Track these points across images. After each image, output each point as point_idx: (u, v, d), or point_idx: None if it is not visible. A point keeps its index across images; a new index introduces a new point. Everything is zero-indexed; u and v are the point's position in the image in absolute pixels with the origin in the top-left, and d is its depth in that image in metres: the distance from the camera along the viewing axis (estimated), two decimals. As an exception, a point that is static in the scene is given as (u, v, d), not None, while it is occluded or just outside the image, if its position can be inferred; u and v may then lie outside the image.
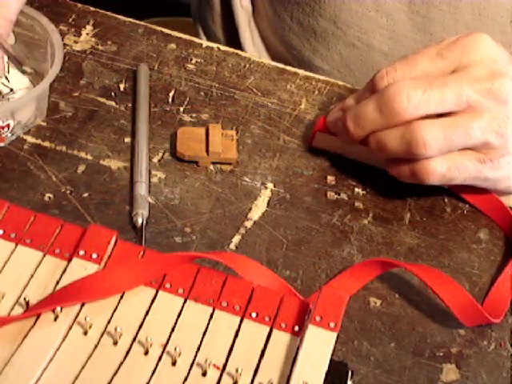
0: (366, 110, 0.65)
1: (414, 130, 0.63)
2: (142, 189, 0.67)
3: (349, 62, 0.88)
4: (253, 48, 0.96)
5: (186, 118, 0.74)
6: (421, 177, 0.65)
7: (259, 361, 0.56)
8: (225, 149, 0.71)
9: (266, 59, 0.81)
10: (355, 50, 0.87)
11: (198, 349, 0.56)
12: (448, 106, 0.63)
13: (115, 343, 0.56)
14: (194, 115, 0.75)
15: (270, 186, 0.71)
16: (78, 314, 0.57)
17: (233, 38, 0.97)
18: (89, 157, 0.70)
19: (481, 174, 0.66)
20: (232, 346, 0.57)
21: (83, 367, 0.55)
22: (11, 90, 0.72)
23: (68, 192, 0.68)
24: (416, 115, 0.63)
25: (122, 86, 0.76)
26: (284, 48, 0.93)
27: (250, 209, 0.69)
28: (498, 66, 0.64)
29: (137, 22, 0.81)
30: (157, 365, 0.56)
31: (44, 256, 0.60)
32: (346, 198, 0.71)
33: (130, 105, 0.74)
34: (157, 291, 0.59)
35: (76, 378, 0.54)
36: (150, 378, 0.55)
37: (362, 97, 0.67)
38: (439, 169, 0.64)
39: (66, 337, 0.56)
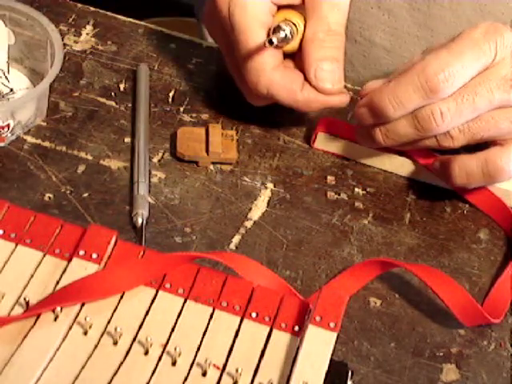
0: (398, 123, 0.66)
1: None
2: (142, 189, 0.67)
3: (351, 57, 0.88)
4: None
5: (186, 117, 0.74)
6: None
7: (259, 361, 0.56)
8: (225, 149, 0.71)
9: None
10: (357, 46, 0.87)
11: (198, 349, 0.57)
12: (479, 112, 0.65)
13: (115, 343, 0.56)
14: (193, 115, 0.75)
15: (270, 186, 0.71)
16: (78, 314, 0.57)
17: None
18: (89, 157, 0.70)
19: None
20: (232, 346, 0.57)
21: (83, 367, 0.55)
22: (11, 90, 0.72)
23: (68, 192, 0.68)
24: (449, 128, 0.65)
25: (122, 86, 0.76)
26: None
27: (250, 209, 0.69)
28: None
29: (137, 21, 0.81)
30: (157, 365, 0.56)
31: (44, 256, 0.60)
32: (346, 198, 0.71)
33: (129, 105, 0.74)
34: (157, 291, 0.59)
35: (76, 378, 0.54)
36: (150, 378, 0.55)
37: (405, 93, 0.65)
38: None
39: (66, 337, 0.56)
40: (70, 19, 0.80)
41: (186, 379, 0.55)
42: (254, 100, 0.71)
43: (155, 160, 0.71)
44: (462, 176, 0.67)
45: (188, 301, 0.59)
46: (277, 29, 0.65)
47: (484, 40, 0.64)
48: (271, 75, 0.67)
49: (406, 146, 0.68)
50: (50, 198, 0.67)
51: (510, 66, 0.64)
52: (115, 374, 0.55)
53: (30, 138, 0.71)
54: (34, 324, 0.56)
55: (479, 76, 0.65)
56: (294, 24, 0.68)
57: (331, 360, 0.56)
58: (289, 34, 0.66)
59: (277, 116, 0.75)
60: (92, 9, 0.81)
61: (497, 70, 0.65)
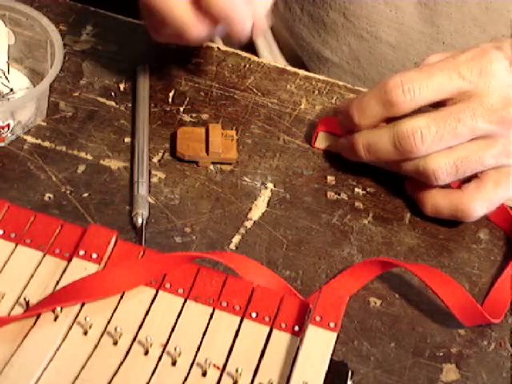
0: (379, 140, 0.66)
1: (426, 164, 0.65)
2: (142, 189, 0.67)
3: (357, 53, 0.89)
4: (262, 39, 0.96)
5: (186, 117, 0.74)
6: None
7: (259, 361, 0.56)
8: (225, 149, 0.71)
9: (265, 59, 0.81)
10: (364, 42, 0.88)
11: (198, 349, 0.57)
12: (461, 139, 0.65)
13: (115, 343, 0.56)
14: (193, 115, 0.75)
15: (270, 186, 0.71)
16: (78, 314, 0.57)
17: None
18: (89, 157, 0.70)
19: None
20: (232, 346, 0.57)
21: (83, 367, 0.55)
22: (11, 90, 0.72)
23: (68, 192, 0.68)
24: (429, 152, 0.64)
25: (122, 86, 0.76)
26: (293, 39, 0.93)
27: (250, 209, 0.69)
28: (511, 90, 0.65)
29: (137, 21, 0.81)
30: (157, 365, 0.56)
31: (44, 256, 0.60)
32: (346, 198, 0.71)
33: (129, 105, 0.74)
34: (157, 291, 0.59)
35: (76, 378, 0.54)
36: (150, 378, 0.55)
37: (368, 103, 0.66)
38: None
39: (66, 337, 0.56)
40: (70, 19, 0.80)
41: (186, 379, 0.55)
42: (158, 36, 0.69)
43: (155, 160, 0.71)
44: (432, 209, 0.68)
45: (188, 301, 0.59)
46: None
47: (466, 64, 0.64)
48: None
49: (391, 166, 0.68)
50: (49, 197, 0.67)
51: (498, 96, 0.64)
52: (115, 374, 0.55)
53: (30, 138, 0.71)
54: (34, 324, 0.56)
55: (463, 102, 0.64)
56: None
57: (331, 360, 0.56)
58: None
59: (277, 116, 0.75)
60: (92, 9, 0.81)
61: (481, 98, 0.64)
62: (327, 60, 0.91)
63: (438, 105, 0.66)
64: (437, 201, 0.68)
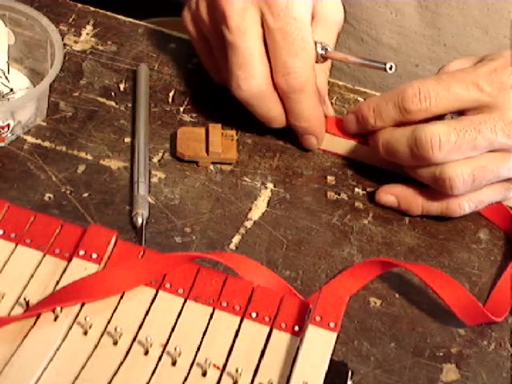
0: (397, 141, 0.66)
1: (443, 171, 0.64)
2: (142, 189, 0.67)
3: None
4: None
5: (186, 117, 0.74)
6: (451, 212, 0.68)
7: (259, 361, 0.56)
8: (225, 149, 0.71)
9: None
10: (364, 45, 0.88)
11: (198, 349, 0.57)
12: (479, 151, 0.64)
13: (115, 343, 0.56)
14: (193, 115, 0.75)
15: (270, 186, 0.71)
16: (78, 314, 0.57)
17: None
18: (89, 157, 0.70)
19: (507, 197, 0.68)
20: (232, 346, 0.57)
21: (83, 367, 0.55)
22: (11, 90, 0.72)
23: (68, 192, 0.68)
24: (445, 160, 0.64)
25: (122, 86, 0.76)
26: None
27: (250, 209, 0.69)
28: None
29: (137, 21, 0.81)
30: (157, 365, 0.56)
31: (44, 256, 0.60)
32: (346, 198, 0.71)
33: (130, 105, 0.74)
34: (157, 291, 0.59)
35: (76, 378, 0.54)
36: (150, 378, 0.55)
37: (385, 107, 0.66)
38: (466, 206, 0.67)
39: (66, 337, 0.56)
40: (70, 19, 0.80)
41: (186, 379, 0.55)
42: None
43: (155, 160, 0.71)
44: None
45: (188, 301, 0.59)
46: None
47: (486, 77, 0.64)
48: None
49: (408, 171, 0.68)
50: (49, 197, 0.67)
51: None
52: (115, 374, 0.55)
53: (30, 138, 0.71)
54: (34, 324, 0.56)
55: (483, 114, 0.64)
56: None
57: (331, 360, 0.56)
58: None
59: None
60: (92, 9, 0.81)
61: (502, 111, 0.63)
62: None
63: (458, 113, 0.66)
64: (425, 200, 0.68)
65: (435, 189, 0.66)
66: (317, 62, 0.68)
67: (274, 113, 0.69)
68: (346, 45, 0.88)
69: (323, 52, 0.68)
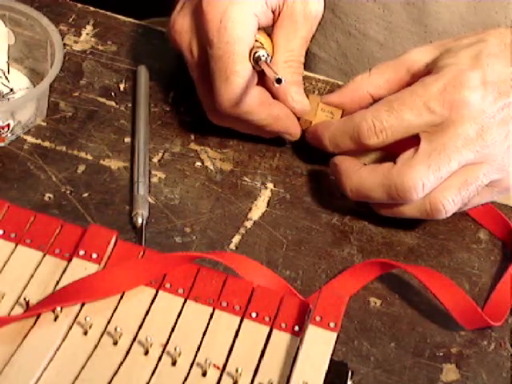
0: (370, 192, 0.65)
1: (433, 202, 0.64)
2: (141, 189, 0.67)
3: (345, 50, 0.89)
4: None
5: (186, 117, 0.74)
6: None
7: (259, 361, 0.56)
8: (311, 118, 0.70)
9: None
10: (352, 39, 0.88)
11: (198, 349, 0.57)
12: (454, 170, 0.64)
13: (115, 343, 0.56)
14: (194, 115, 0.74)
15: (270, 186, 0.71)
16: (78, 314, 0.57)
17: None
18: (89, 157, 0.70)
19: (492, 198, 0.68)
20: (232, 346, 0.57)
21: (83, 367, 0.55)
22: (11, 90, 0.72)
23: (68, 192, 0.68)
24: (427, 193, 0.64)
25: (121, 86, 0.76)
26: None
27: (250, 209, 0.69)
28: (487, 117, 0.63)
29: (137, 21, 0.81)
30: (157, 365, 0.56)
31: (44, 256, 0.60)
32: (346, 198, 0.71)
33: (130, 105, 0.74)
34: (157, 291, 0.59)
35: (76, 378, 0.54)
36: (150, 378, 0.55)
37: (342, 139, 0.67)
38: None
39: (66, 337, 0.56)
40: (70, 19, 0.80)
41: (185, 379, 0.55)
42: (214, 117, 0.71)
43: (155, 160, 0.71)
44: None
45: (188, 301, 0.59)
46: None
47: (437, 98, 0.63)
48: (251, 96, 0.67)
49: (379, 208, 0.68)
50: (49, 198, 0.67)
51: (473, 125, 0.63)
52: (115, 374, 0.55)
53: (30, 138, 0.71)
54: (34, 324, 0.56)
55: (443, 138, 0.63)
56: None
57: (331, 360, 0.56)
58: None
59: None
60: (92, 9, 0.81)
61: (456, 129, 0.63)
62: (315, 56, 0.91)
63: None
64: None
65: None
66: (257, 71, 0.67)
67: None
68: (334, 38, 0.89)
69: (257, 65, 0.66)
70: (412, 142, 0.65)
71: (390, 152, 0.67)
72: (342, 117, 0.70)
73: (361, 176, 0.66)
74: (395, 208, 0.66)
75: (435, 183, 0.63)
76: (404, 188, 0.63)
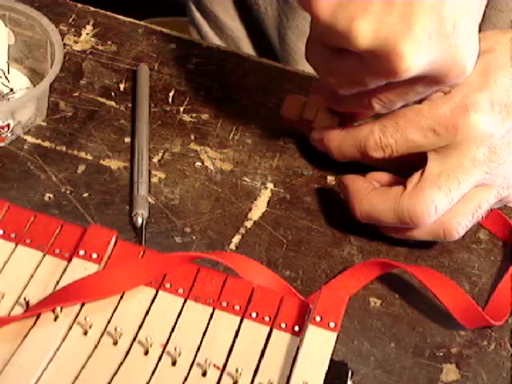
0: (382, 217, 0.65)
1: (447, 227, 0.64)
2: (142, 189, 0.67)
3: None
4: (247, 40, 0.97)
5: (186, 117, 0.74)
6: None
7: (259, 361, 0.56)
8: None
9: (265, 59, 0.80)
10: None
11: (198, 349, 0.57)
12: (466, 192, 0.64)
13: (115, 343, 0.56)
14: (194, 115, 0.75)
15: (270, 186, 0.71)
16: (78, 314, 0.57)
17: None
18: (89, 157, 0.70)
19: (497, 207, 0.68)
20: (232, 346, 0.57)
21: (83, 367, 0.55)
22: (11, 90, 0.72)
23: (68, 192, 0.68)
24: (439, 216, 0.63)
25: (121, 86, 0.76)
26: (279, 44, 0.94)
27: (250, 209, 0.69)
28: (495, 138, 0.63)
29: (137, 21, 0.81)
30: (157, 365, 0.56)
31: (44, 256, 0.60)
32: (346, 198, 0.71)
33: (130, 105, 0.74)
34: (157, 291, 0.59)
35: (76, 378, 0.54)
36: (150, 378, 0.55)
37: (348, 149, 0.67)
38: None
39: (66, 337, 0.56)
40: (70, 19, 0.80)
41: (185, 379, 0.55)
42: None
43: (155, 160, 0.71)
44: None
45: (188, 301, 0.59)
46: None
47: (442, 121, 0.62)
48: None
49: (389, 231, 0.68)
50: (49, 197, 0.67)
51: (480, 148, 0.62)
52: (115, 374, 0.55)
53: (30, 138, 0.71)
54: (34, 324, 0.56)
55: (451, 160, 0.63)
56: None
57: (331, 360, 0.56)
58: None
59: (277, 116, 0.75)
60: (92, 9, 0.81)
61: (462, 151, 0.62)
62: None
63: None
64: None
65: None
66: None
67: None
68: None
69: None
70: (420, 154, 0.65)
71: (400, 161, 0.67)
72: (341, 117, 0.70)
73: (371, 200, 0.65)
74: (407, 232, 0.65)
75: (447, 206, 0.63)
76: (417, 213, 0.62)
